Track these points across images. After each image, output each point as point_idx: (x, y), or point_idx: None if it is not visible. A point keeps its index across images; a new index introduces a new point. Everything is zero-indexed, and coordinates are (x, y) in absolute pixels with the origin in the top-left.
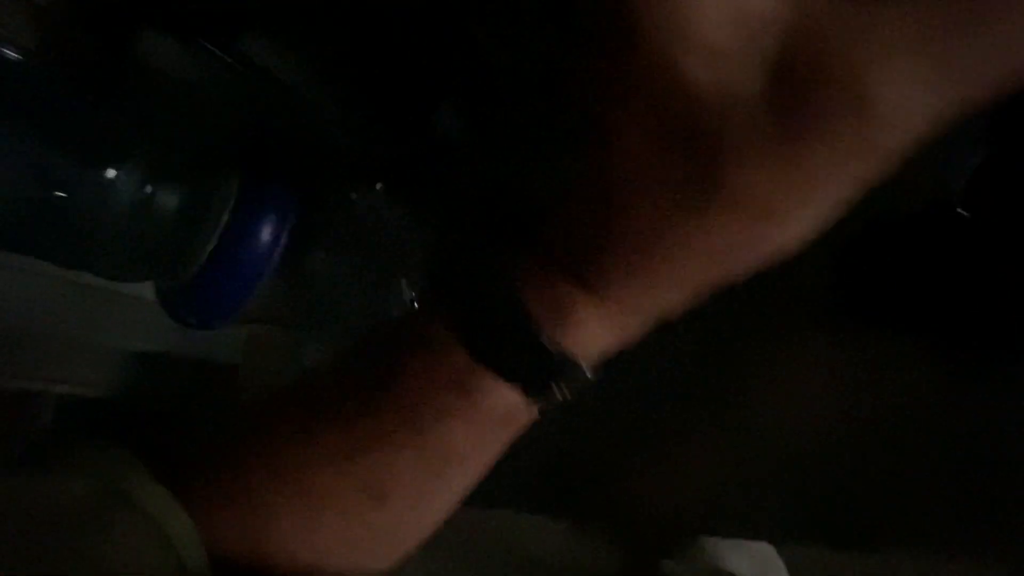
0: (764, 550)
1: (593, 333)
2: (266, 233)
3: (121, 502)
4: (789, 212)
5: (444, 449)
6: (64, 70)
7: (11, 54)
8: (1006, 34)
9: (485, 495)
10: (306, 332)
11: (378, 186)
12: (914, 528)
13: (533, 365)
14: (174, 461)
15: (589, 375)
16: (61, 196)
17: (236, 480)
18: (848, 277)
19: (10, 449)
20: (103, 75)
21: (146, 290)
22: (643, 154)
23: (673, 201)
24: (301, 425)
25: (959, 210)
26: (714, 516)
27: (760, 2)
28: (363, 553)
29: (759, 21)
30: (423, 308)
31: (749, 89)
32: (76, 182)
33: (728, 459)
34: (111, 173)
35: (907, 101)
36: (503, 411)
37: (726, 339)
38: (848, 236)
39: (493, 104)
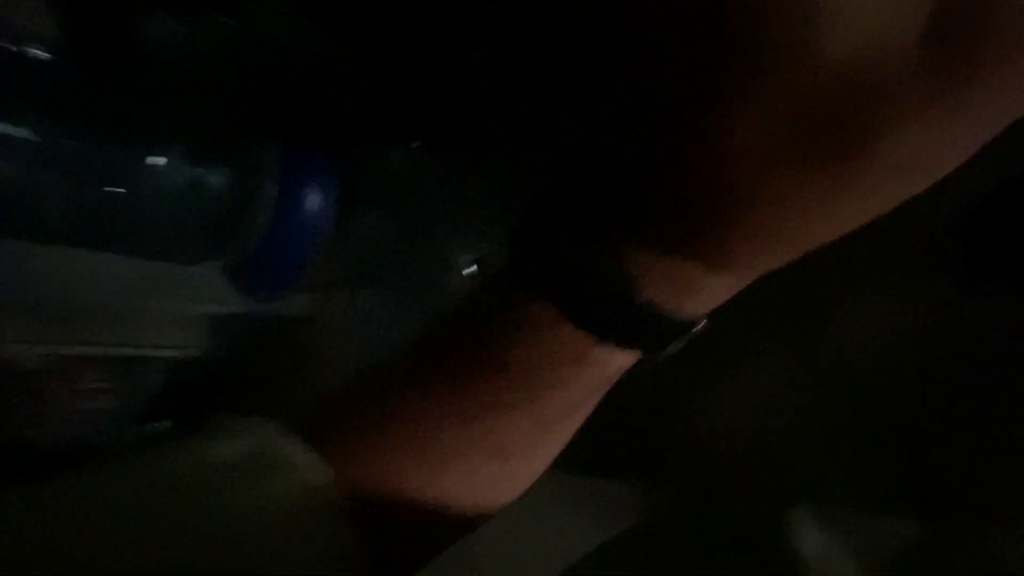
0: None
1: (706, 298)
2: (314, 201)
3: (272, 459)
4: (944, 164)
5: (558, 409)
6: (92, 63)
7: (41, 53)
8: None
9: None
10: (365, 288)
11: (415, 144)
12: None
13: (651, 334)
14: (312, 423)
15: (702, 328)
16: (117, 192)
17: (369, 438)
18: (974, 230)
19: (130, 409)
20: (129, 63)
21: None
22: (775, 131)
23: (813, 173)
24: (424, 393)
25: None
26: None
27: None
28: (482, 498)
29: None
30: (519, 285)
31: (900, 50)
32: (129, 175)
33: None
34: (160, 161)
35: None
36: (616, 371)
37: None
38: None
39: (532, 61)
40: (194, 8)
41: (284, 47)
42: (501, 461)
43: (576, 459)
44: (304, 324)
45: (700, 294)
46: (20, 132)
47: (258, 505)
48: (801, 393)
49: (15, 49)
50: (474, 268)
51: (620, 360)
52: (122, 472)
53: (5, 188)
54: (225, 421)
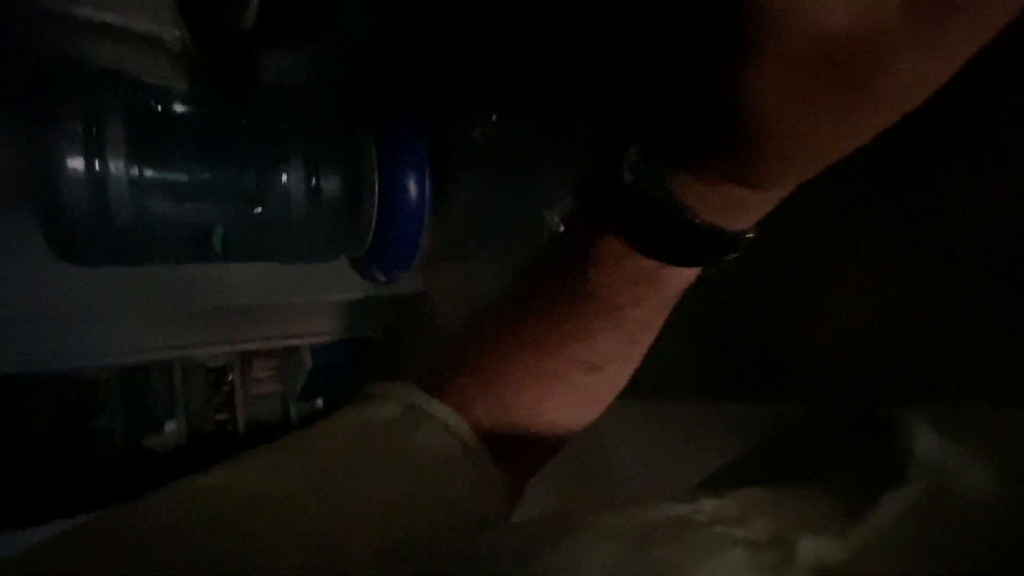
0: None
1: (753, 213)
2: (412, 186)
3: (418, 413)
4: (930, 87)
5: (639, 323)
6: (214, 103)
7: (177, 107)
8: None
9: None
10: (472, 258)
11: (494, 117)
12: None
13: (709, 251)
14: (438, 376)
15: (753, 236)
16: (258, 211)
17: (487, 376)
18: None
19: (294, 388)
20: (241, 97)
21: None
22: (789, 79)
23: (821, 111)
24: (526, 332)
25: None
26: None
27: None
28: (584, 408)
29: None
30: (592, 224)
31: (886, 9)
32: (264, 195)
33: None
34: (284, 178)
35: None
36: (683, 286)
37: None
38: None
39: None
40: (294, 37)
41: (370, 47)
42: (595, 376)
43: (708, 381)
44: (422, 298)
45: (744, 211)
46: (176, 176)
47: (413, 453)
48: (912, 290)
49: (159, 108)
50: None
51: (686, 276)
52: (310, 438)
53: (175, 224)
54: (371, 390)
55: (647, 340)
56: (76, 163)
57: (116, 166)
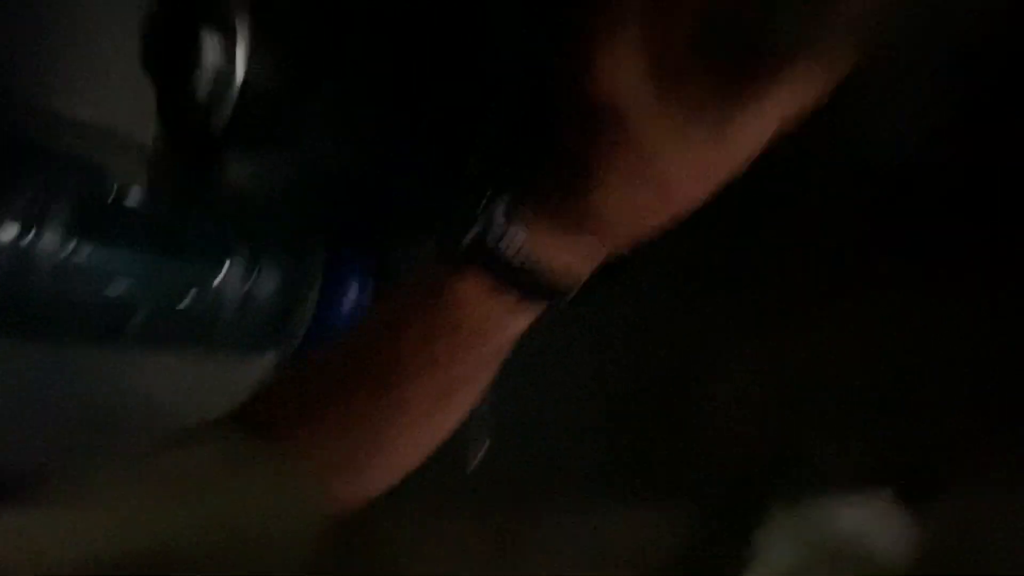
0: (874, 505)
1: (579, 258)
2: (351, 297)
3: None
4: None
5: (466, 371)
6: (169, 200)
7: (132, 199)
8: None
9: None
10: None
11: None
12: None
13: (539, 289)
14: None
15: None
16: (183, 306)
17: (304, 423)
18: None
19: None
20: (196, 196)
21: None
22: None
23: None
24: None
25: None
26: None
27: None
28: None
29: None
30: (443, 262)
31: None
32: (196, 289)
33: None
34: (220, 274)
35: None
36: (514, 331)
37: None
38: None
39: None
40: (254, 144)
41: (328, 164)
42: (408, 425)
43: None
44: None
45: (574, 253)
46: (109, 264)
47: (244, 491)
48: (781, 399)
49: (112, 198)
50: None
51: (519, 321)
52: (145, 474)
53: (95, 307)
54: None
55: (470, 396)
56: (11, 229)
57: (50, 240)
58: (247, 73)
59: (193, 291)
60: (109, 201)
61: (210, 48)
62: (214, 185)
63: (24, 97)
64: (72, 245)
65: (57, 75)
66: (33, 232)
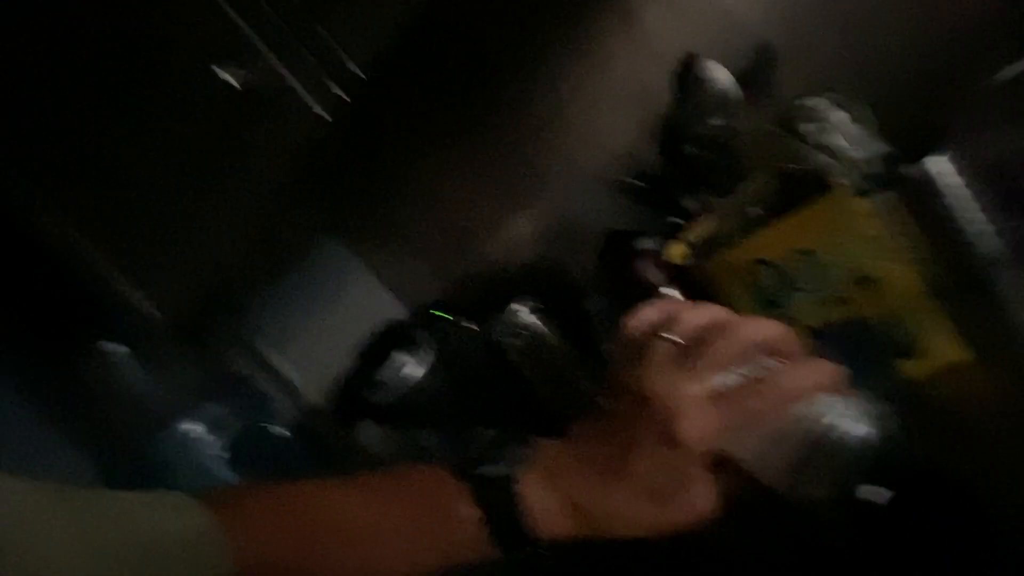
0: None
1: (563, 529)
2: None
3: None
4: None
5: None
6: (309, 438)
7: (276, 431)
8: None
9: None
10: None
11: None
12: None
13: (522, 544)
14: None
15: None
16: None
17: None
18: None
19: None
20: (330, 440)
21: None
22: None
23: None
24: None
25: None
26: None
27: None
28: None
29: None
30: (458, 479)
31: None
32: None
33: None
34: None
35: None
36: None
37: None
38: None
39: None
40: (391, 422)
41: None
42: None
43: None
44: None
45: (558, 526)
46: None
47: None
48: None
49: (262, 427)
50: None
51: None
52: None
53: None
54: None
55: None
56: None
57: (203, 434)
58: (421, 380)
59: None
60: (260, 427)
61: (398, 358)
62: (347, 438)
63: (244, 338)
64: (220, 447)
65: (274, 327)
66: (203, 431)
